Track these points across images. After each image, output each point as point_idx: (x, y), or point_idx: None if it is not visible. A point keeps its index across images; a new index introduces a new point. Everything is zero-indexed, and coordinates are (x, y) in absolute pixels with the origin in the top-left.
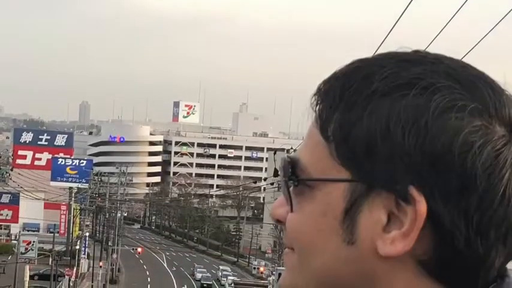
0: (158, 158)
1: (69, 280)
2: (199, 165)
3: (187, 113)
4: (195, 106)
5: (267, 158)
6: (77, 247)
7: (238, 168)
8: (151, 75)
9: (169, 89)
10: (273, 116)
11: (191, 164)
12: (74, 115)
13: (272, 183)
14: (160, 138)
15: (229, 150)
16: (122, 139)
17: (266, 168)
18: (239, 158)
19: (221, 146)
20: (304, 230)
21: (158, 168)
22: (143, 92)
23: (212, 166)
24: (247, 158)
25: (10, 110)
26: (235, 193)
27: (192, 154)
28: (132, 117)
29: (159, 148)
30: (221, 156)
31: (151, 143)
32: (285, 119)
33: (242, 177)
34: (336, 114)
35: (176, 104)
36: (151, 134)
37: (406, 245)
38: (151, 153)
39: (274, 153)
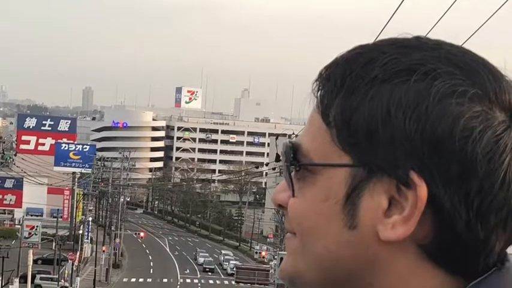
0: (161, 143)
1: (73, 264)
2: (201, 151)
3: (190, 98)
4: (197, 92)
5: (268, 143)
6: (80, 232)
7: (240, 153)
8: (154, 61)
9: (172, 75)
10: (275, 102)
11: (193, 149)
12: (77, 101)
13: (274, 168)
14: (162, 123)
15: (231, 136)
16: (124, 124)
17: (268, 154)
18: (241, 143)
19: (223, 132)
20: (306, 214)
21: (161, 154)
22: (146, 78)
23: (214, 151)
24: (249, 143)
25: (14, 96)
26: (237, 178)
27: (194, 139)
28: (135, 102)
29: (162, 133)
30: (223, 142)
31: (154, 129)
32: (286, 104)
33: (244, 162)
34: (337, 100)
35: (179, 90)
36: (153, 120)
37: (406, 230)
38: (153, 139)
39: (276, 139)
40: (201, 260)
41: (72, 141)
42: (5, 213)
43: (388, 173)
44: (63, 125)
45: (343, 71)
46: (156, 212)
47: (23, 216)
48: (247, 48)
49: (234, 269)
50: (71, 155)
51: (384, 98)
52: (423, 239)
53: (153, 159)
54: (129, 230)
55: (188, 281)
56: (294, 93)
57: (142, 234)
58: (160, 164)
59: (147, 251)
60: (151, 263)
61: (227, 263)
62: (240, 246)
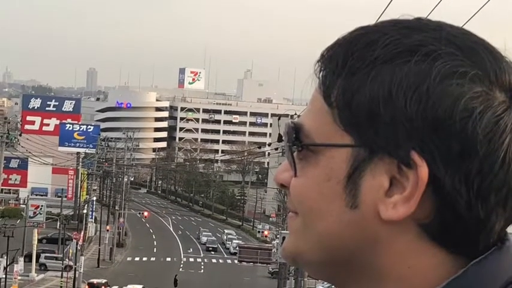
0: (164, 124)
1: (77, 243)
2: (204, 131)
3: (193, 79)
4: (200, 73)
5: (271, 124)
6: (85, 211)
7: (243, 133)
8: (157, 42)
9: (175, 56)
10: (277, 82)
11: (196, 130)
12: (81, 81)
13: (276, 149)
14: (166, 104)
15: (234, 116)
16: (128, 105)
17: (270, 134)
18: (244, 123)
19: (226, 112)
20: (308, 194)
21: (164, 134)
22: (149, 59)
23: (217, 131)
24: (252, 124)
25: (19, 77)
26: (240, 158)
27: (197, 120)
28: (139, 83)
29: (165, 114)
30: (226, 122)
31: (158, 109)
32: (288, 85)
33: (247, 142)
34: (339, 81)
35: (182, 71)
36: (157, 100)
37: (407, 209)
38: (157, 119)
39: (278, 119)
40: (204, 239)
41: (76, 122)
42: (10, 193)
43: (389, 153)
44: (68, 106)
45: (344, 52)
46: (159, 192)
47: (28, 196)
48: (249, 29)
49: (237, 248)
50: (75, 135)
51: (385, 79)
52: (424, 219)
53: (156, 140)
54: (133, 210)
55: (191, 260)
56: (296, 74)
57: (146, 213)
58: (163, 144)
59: (150, 230)
60: (155, 242)
61: (230, 242)
62: (243, 226)
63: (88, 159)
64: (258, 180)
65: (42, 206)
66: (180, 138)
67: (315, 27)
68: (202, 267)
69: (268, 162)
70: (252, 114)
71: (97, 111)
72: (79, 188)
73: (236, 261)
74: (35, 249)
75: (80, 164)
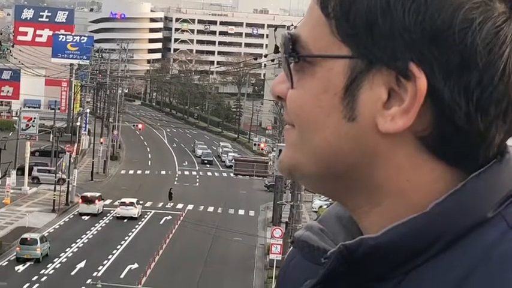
0: (159, 35)
1: (70, 156)
2: (199, 42)
3: None
4: None
5: (267, 35)
6: (78, 124)
7: (239, 44)
8: None
9: None
10: None
11: (192, 41)
12: None
13: (273, 60)
14: (161, 15)
15: (230, 27)
16: (122, 16)
17: (267, 45)
18: (240, 34)
19: (222, 23)
20: (305, 106)
21: (159, 45)
22: None
23: (213, 43)
24: (248, 35)
25: None
26: (235, 69)
27: (192, 31)
28: None
29: (160, 25)
30: (222, 33)
31: (152, 20)
32: None
33: (243, 53)
34: None
35: None
36: (152, 11)
37: (406, 122)
38: (152, 30)
39: (275, 30)
40: (199, 152)
41: (69, 33)
42: (2, 105)
43: (387, 65)
44: (61, 16)
45: None
46: (154, 104)
47: (21, 108)
48: None
49: (233, 161)
50: (68, 46)
51: None
52: (423, 131)
53: (151, 51)
54: (127, 122)
55: (186, 173)
56: None
57: (140, 126)
58: (158, 56)
59: (145, 143)
60: (150, 155)
61: (225, 155)
62: (239, 138)
63: (81, 71)
64: (254, 92)
65: (34, 118)
66: (175, 50)
67: None
68: (198, 180)
69: (264, 74)
70: (248, 25)
71: (90, 22)
72: (72, 100)
73: (232, 174)
74: (27, 162)
75: (74, 75)
